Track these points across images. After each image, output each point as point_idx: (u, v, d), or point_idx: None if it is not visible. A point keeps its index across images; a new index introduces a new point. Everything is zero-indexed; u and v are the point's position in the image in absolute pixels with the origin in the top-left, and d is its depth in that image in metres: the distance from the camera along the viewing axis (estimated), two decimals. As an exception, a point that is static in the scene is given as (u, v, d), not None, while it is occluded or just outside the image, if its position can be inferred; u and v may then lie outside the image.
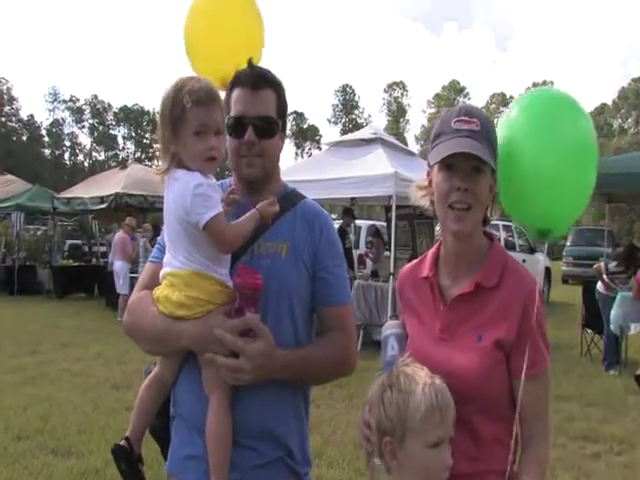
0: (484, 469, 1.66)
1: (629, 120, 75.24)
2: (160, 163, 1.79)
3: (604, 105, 78.51)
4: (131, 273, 13.11)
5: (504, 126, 1.83)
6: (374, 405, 1.58)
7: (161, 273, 1.83)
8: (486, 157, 1.62)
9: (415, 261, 1.94)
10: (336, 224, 13.72)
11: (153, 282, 1.86)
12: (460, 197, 1.64)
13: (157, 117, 1.76)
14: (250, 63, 1.92)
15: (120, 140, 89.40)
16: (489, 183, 1.69)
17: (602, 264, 9.54)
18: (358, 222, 15.29)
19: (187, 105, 1.66)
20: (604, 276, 9.27)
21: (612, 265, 9.46)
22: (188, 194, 1.68)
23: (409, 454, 1.51)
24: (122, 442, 1.88)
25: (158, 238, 2.02)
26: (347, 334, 1.94)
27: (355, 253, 13.11)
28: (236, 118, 1.85)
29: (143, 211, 16.76)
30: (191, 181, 1.69)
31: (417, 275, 1.85)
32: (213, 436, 1.73)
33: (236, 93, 1.88)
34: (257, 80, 1.88)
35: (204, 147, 1.70)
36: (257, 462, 1.80)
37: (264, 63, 2.00)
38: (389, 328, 1.86)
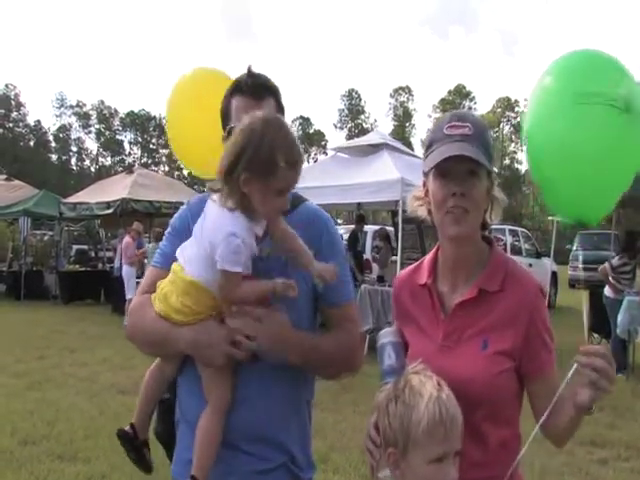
0: (491, 474, 1.64)
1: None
2: (224, 192, 1.68)
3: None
4: (138, 278, 13.15)
5: (535, 96, 1.76)
6: (380, 415, 1.57)
7: (177, 254, 1.81)
8: (480, 158, 1.60)
9: (411, 267, 1.90)
10: (341, 229, 13.84)
11: (154, 287, 1.86)
12: (456, 202, 1.61)
13: (233, 146, 1.64)
14: (250, 70, 1.92)
15: (126, 145, 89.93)
16: (486, 186, 1.66)
17: (606, 264, 9.50)
18: (365, 227, 15.30)
19: (281, 164, 1.61)
20: (610, 277, 9.25)
21: (615, 260, 9.44)
22: (221, 234, 1.65)
23: (411, 467, 1.50)
24: (127, 428, 1.93)
25: (160, 244, 2.02)
26: (351, 333, 1.91)
27: (361, 258, 13.11)
28: None
29: (149, 216, 16.81)
30: (230, 225, 1.65)
31: (414, 282, 1.82)
32: (202, 438, 1.75)
33: (238, 102, 1.88)
34: (259, 90, 1.88)
35: (282, 204, 1.69)
36: (258, 468, 1.79)
37: (268, 70, 1.99)
38: (385, 336, 1.80)
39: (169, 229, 1.99)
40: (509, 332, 1.63)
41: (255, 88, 1.88)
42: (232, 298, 1.72)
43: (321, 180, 10.36)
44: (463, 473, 1.52)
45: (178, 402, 1.93)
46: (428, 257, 1.83)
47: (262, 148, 1.61)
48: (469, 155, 1.58)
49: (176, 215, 2.01)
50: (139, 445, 1.93)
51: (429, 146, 1.70)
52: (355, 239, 12.13)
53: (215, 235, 1.67)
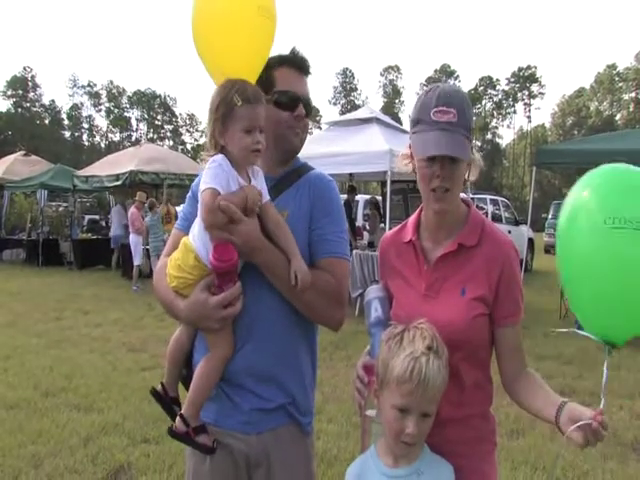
0: (467, 413, 1.70)
1: (604, 103, 74.87)
2: (209, 153, 1.79)
3: (582, 89, 78.08)
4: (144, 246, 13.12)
5: (571, 209, 1.57)
6: (382, 344, 1.61)
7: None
8: (462, 153, 1.61)
9: (396, 228, 1.92)
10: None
11: (176, 247, 1.85)
12: (440, 183, 1.64)
13: (208, 112, 1.76)
14: (294, 49, 1.96)
15: (134, 122, 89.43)
16: (467, 162, 1.69)
17: None
18: (357, 197, 15.23)
19: (237, 103, 1.69)
20: None
21: None
22: (203, 173, 1.72)
23: (381, 402, 1.58)
24: (158, 387, 1.96)
25: (182, 206, 2.03)
26: (337, 279, 1.84)
27: (353, 225, 13.10)
28: (290, 93, 1.88)
29: (155, 187, 16.72)
30: (210, 159, 1.73)
31: (400, 240, 1.84)
32: (199, 381, 1.77)
33: (286, 71, 1.91)
34: (306, 66, 1.96)
35: (252, 141, 1.71)
36: (261, 406, 1.80)
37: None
38: (372, 292, 1.83)
39: (189, 193, 1.99)
40: (484, 281, 1.67)
41: (303, 64, 1.95)
42: (213, 211, 1.65)
43: (315, 151, 10.28)
44: (444, 411, 1.57)
45: (196, 349, 1.92)
46: (412, 218, 1.86)
47: (223, 99, 1.71)
48: (452, 155, 1.60)
49: (196, 180, 1.96)
50: (167, 401, 1.95)
51: (416, 123, 1.68)
52: (349, 208, 12.12)
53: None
